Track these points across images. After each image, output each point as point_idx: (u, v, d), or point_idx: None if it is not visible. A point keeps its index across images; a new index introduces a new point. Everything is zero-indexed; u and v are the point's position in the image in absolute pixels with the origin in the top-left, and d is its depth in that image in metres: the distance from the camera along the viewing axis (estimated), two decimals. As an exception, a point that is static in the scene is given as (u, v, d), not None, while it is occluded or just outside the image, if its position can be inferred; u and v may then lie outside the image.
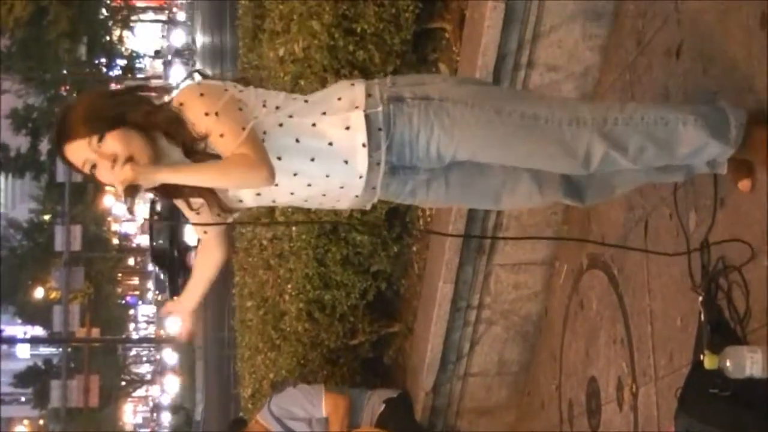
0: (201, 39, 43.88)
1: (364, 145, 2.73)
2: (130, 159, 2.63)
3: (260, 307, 6.29)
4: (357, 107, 2.74)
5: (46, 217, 37.53)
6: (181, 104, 2.69)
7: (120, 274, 48.12)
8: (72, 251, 28.99)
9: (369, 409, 5.20)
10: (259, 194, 2.84)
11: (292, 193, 2.84)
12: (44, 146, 31.85)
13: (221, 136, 2.64)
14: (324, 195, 2.86)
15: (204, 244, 3.12)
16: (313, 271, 5.41)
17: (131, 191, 2.63)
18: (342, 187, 2.82)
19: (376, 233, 5.20)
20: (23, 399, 41.37)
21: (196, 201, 2.84)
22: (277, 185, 2.73)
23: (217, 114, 2.64)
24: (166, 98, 2.80)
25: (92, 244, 35.15)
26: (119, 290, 48.96)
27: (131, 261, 50.60)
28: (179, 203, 2.90)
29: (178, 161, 2.72)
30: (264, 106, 2.76)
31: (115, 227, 46.91)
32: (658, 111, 2.84)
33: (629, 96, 3.88)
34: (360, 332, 5.62)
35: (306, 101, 2.83)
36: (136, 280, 54.49)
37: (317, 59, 4.92)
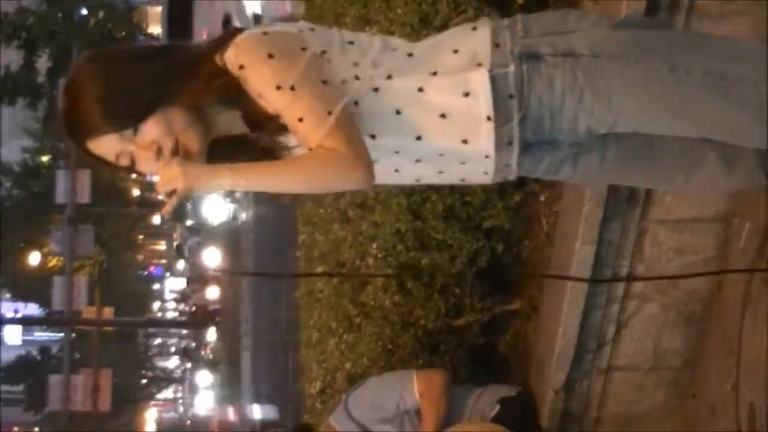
0: None
1: (489, 119, 2.73)
2: (176, 144, 2.70)
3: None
4: (480, 64, 2.74)
5: (45, 159, 38.09)
6: (241, 67, 2.69)
7: (141, 237, 48.82)
8: (78, 204, 29.36)
9: (477, 410, 5.28)
10: None
11: (396, 170, 2.88)
12: (42, 63, 32.25)
13: (300, 120, 2.65)
14: (441, 173, 2.89)
15: None
16: (406, 227, 5.50)
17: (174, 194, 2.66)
18: (464, 163, 2.84)
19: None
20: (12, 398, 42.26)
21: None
22: (375, 160, 2.74)
23: (293, 88, 2.64)
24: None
25: (105, 196, 35.55)
26: (140, 258, 49.69)
27: (157, 219, 51.26)
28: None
29: (236, 132, 2.79)
30: (356, 65, 2.76)
31: (135, 173, 47.34)
32: None
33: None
34: (467, 310, 5.69)
35: (410, 54, 2.83)
36: (162, 245, 55.13)
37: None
